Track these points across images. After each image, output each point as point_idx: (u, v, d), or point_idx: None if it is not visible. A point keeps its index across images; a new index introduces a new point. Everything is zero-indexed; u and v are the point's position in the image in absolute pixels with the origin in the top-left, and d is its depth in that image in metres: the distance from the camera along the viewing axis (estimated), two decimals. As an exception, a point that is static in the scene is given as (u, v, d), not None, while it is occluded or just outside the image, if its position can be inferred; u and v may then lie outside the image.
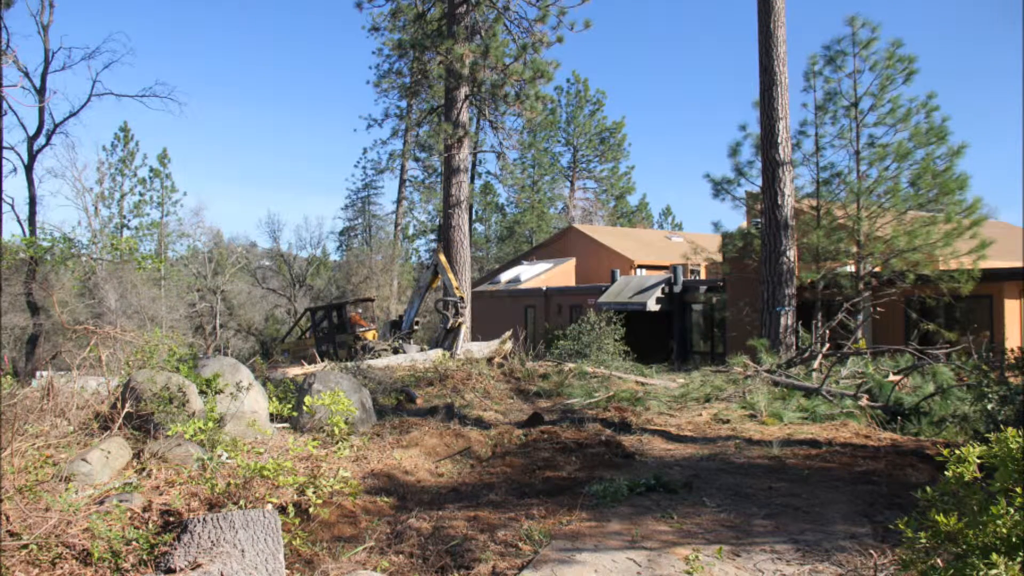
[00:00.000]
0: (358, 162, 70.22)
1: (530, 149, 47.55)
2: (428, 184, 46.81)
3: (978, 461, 3.09)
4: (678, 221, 61.37)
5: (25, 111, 30.02)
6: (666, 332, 22.90)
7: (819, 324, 15.88)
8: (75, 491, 5.03)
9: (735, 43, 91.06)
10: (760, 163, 15.66)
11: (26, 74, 24.63)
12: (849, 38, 15.95)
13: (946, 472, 3.15)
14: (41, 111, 24.74)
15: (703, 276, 27.54)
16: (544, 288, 28.50)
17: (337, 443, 6.94)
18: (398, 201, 46.22)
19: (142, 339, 8.44)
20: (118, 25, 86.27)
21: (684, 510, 5.44)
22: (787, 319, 14.87)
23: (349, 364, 13.36)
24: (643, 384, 12.52)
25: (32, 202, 24.74)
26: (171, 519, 4.89)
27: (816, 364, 11.95)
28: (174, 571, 3.43)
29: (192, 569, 3.42)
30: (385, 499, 5.84)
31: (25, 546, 4.03)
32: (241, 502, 5.04)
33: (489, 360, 15.27)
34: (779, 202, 15.04)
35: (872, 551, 4.35)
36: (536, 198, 49.25)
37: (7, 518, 4.28)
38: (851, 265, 16.24)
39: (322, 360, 16.19)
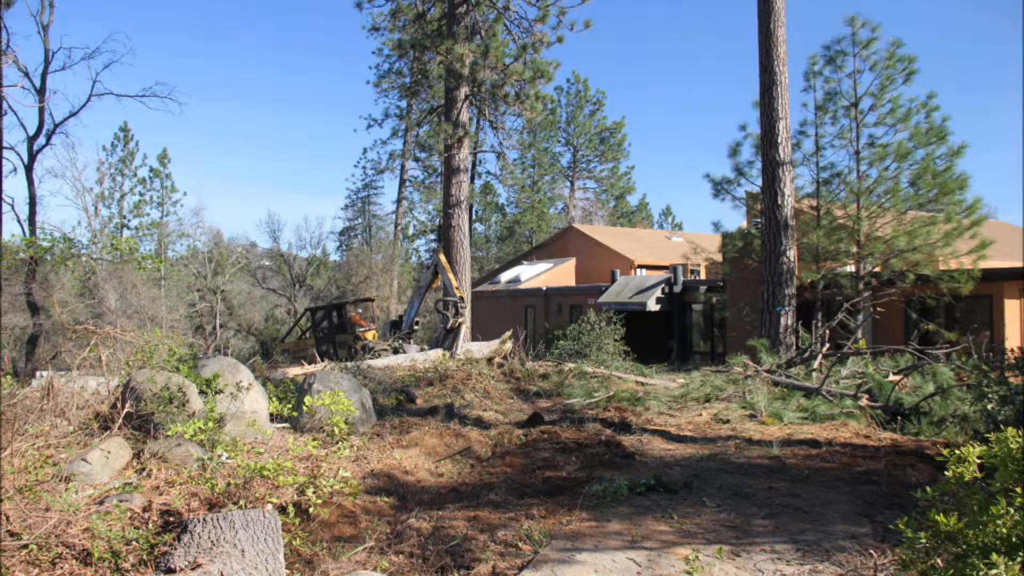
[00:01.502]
0: (358, 162, 70.24)
1: (530, 149, 47.54)
2: (428, 184, 46.82)
3: (978, 461, 3.09)
4: (678, 221, 61.42)
5: (25, 111, 29.94)
6: (666, 332, 22.90)
7: (819, 324, 15.88)
8: (75, 491, 5.03)
9: (735, 43, 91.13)
10: (760, 163, 15.66)
11: (26, 74, 24.67)
12: (849, 38, 15.96)
13: (946, 472, 3.15)
14: (41, 111, 24.77)
15: (703, 276, 27.54)
16: (544, 288, 28.50)
17: (337, 443, 6.94)
18: (398, 201, 46.22)
19: (142, 339, 8.43)
20: (118, 25, 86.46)
21: (684, 510, 5.44)
22: (787, 319, 14.87)
23: (349, 364, 13.36)
24: (643, 384, 12.51)
25: (32, 202, 24.77)
26: (171, 519, 4.89)
27: (816, 364, 11.94)
28: (174, 571, 3.43)
29: (192, 569, 3.42)
30: (385, 499, 5.84)
31: (25, 546, 4.03)
32: (241, 502, 5.04)
33: (489, 360, 15.27)
34: (779, 202, 15.04)
35: (872, 551, 4.35)
36: (536, 198, 49.24)
37: (7, 518, 4.27)
38: (851, 265, 16.24)
39: (322, 360, 16.19)
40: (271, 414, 8.08)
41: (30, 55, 78.41)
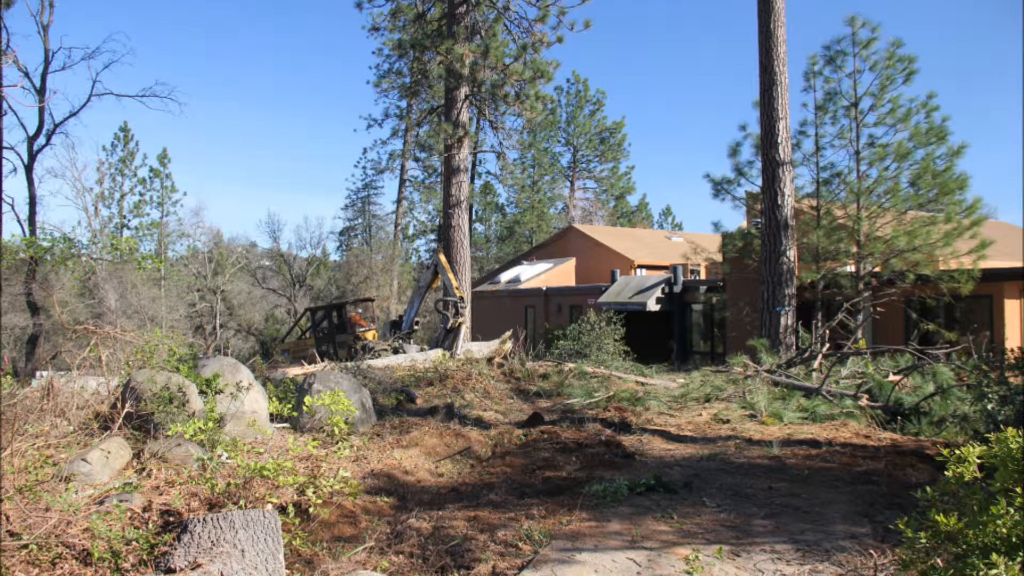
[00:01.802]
0: (358, 162, 70.22)
1: (530, 149, 47.53)
2: (428, 184, 46.82)
3: (978, 461, 3.09)
4: (678, 221, 61.42)
5: (25, 111, 29.91)
6: (666, 332, 22.90)
7: (819, 324, 15.88)
8: (75, 491, 5.03)
9: (735, 43, 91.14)
10: (760, 163, 15.66)
11: (26, 74, 24.68)
12: (849, 38, 15.96)
13: (946, 472, 3.15)
14: (41, 111, 24.78)
15: (703, 276, 27.55)
16: (544, 288, 28.50)
17: (337, 443, 6.94)
18: (398, 201, 46.22)
19: (142, 339, 8.43)
20: (118, 25, 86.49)
21: (684, 510, 5.44)
22: (787, 319, 14.87)
23: (349, 364, 13.36)
24: (643, 384, 12.51)
25: (32, 202, 24.77)
26: (171, 519, 4.89)
27: (816, 364, 11.94)
28: (174, 571, 3.43)
29: (192, 569, 3.42)
30: (385, 499, 5.84)
31: (25, 546, 4.03)
32: (241, 502, 5.04)
33: (489, 360, 15.27)
34: (779, 202, 15.04)
35: (872, 551, 4.35)
36: (536, 198, 49.23)
37: (7, 518, 4.27)
38: (851, 265, 16.24)
39: (322, 360, 16.19)
40: (271, 414, 8.08)
41: (30, 55, 78.49)
